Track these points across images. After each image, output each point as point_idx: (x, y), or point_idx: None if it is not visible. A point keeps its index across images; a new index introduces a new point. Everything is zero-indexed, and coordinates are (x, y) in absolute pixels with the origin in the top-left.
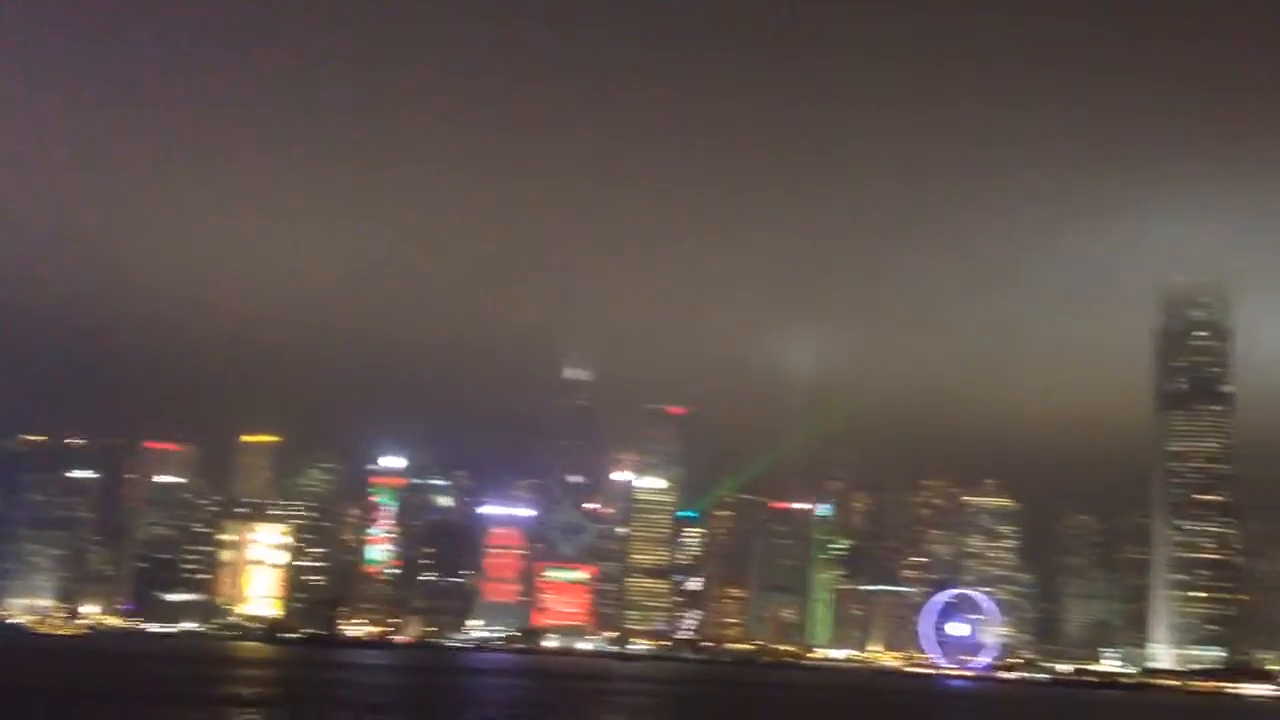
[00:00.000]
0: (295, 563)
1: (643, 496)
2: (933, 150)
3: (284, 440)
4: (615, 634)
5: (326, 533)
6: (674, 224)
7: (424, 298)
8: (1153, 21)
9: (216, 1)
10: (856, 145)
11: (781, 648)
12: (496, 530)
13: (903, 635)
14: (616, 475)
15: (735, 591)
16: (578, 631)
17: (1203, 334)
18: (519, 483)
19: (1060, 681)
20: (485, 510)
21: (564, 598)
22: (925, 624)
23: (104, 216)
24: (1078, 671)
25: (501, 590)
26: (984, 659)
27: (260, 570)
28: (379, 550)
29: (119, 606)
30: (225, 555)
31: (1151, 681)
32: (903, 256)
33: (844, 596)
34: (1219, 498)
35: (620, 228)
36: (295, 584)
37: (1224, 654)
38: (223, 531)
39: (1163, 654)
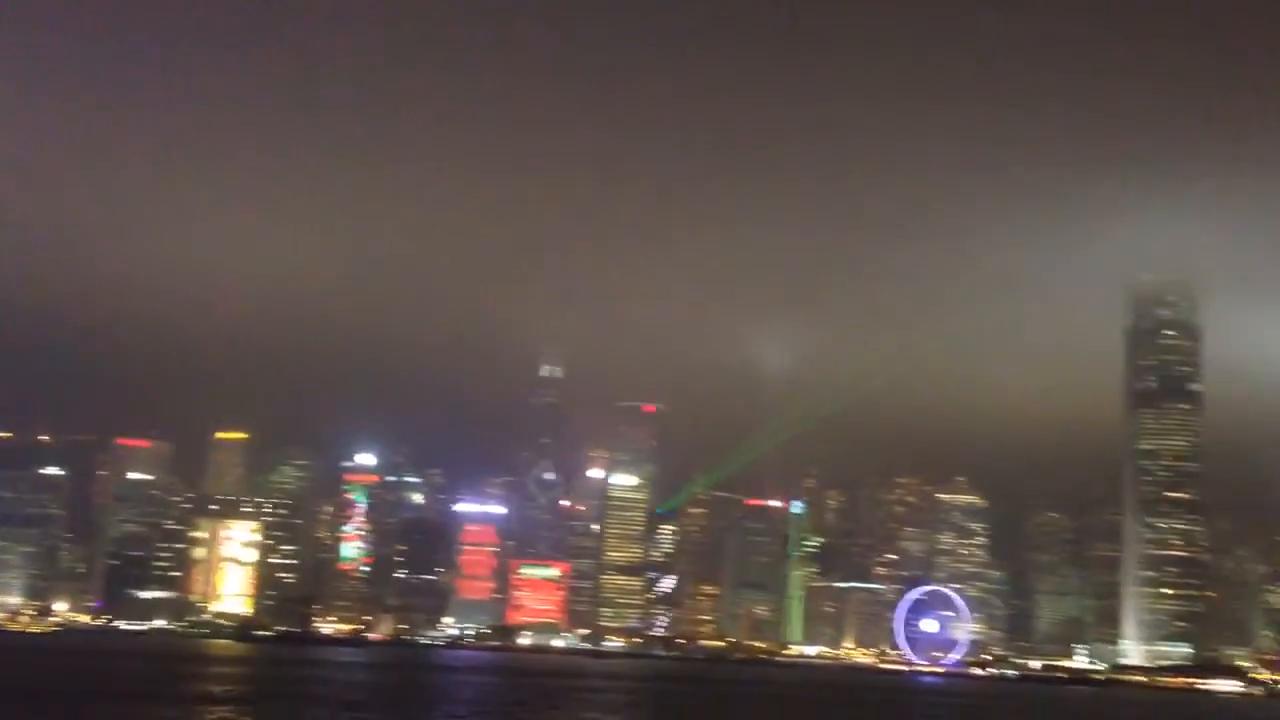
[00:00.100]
0: (268, 560)
1: (616, 494)
2: (905, 150)
3: (257, 437)
4: (589, 631)
5: (299, 530)
6: (660, 223)
7: (405, 298)
8: (1145, 21)
9: (216, 1)
10: (831, 145)
11: (755, 645)
12: (470, 527)
13: (875, 632)
14: (590, 472)
15: (709, 588)
16: (551, 629)
17: (1172, 333)
18: (493, 480)
19: (1031, 678)
20: (459, 507)
21: (538, 595)
22: (897, 621)
23: (104, 216)
24: (1048, 668)
25: (475, 587)
26: (955, 655)
27: (232, 567)
28: (352, 547)
29: (90, 604)
30: (197, 552)
31: (1121, 678)
32: (875, 256)
33: (817, 593)
34: (1187, 495)
35: (603, 227)
36: (268, 581)
37: (1192, 650)
38: (195, 529)
39: (1132, 650)
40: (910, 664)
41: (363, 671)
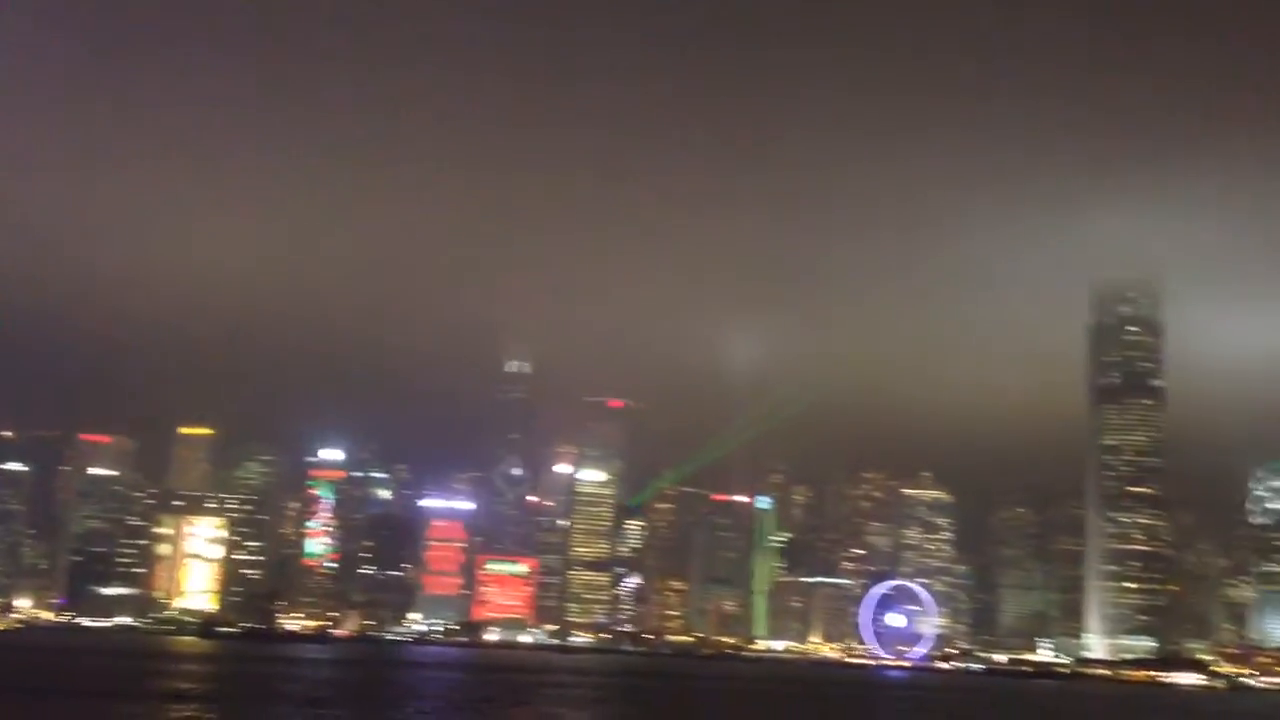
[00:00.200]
0: (232, 556)
1: (583, 489)
2: (870, 148)
3: (221, 432)
4: (556, 627)
5: (264, 526)
6: (628, 220)
7: (370, 295)
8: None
9: (216, 1)
10: (797, 145)
11: (722, 640)
12: (437, 523)
13: (842, 626)
14: (557, 468)
15: (676, 584)
16: (518, 624)
17: (1134, 329)
18: (459, 475)
19: (996, 671)
20: (426, 503)
21: (504, 591)
22: (864, 615)
23: (104, 216)
24: (1013, 661)
25: (442, 583)
26: (921, 649)
27: (197, 564)
28: (318, 543)
29: (53, 601)
30: (161, 549)
31: (1085, 671)
32: (840, 254)
33: (784, 588)
34: (1150, 490)
35: (570, 224)
36: (232, 578)
37: (1155, 644)
38: (159, 525)
39: (1096, 644)
40: (876, 658)
41: (329, 668)
